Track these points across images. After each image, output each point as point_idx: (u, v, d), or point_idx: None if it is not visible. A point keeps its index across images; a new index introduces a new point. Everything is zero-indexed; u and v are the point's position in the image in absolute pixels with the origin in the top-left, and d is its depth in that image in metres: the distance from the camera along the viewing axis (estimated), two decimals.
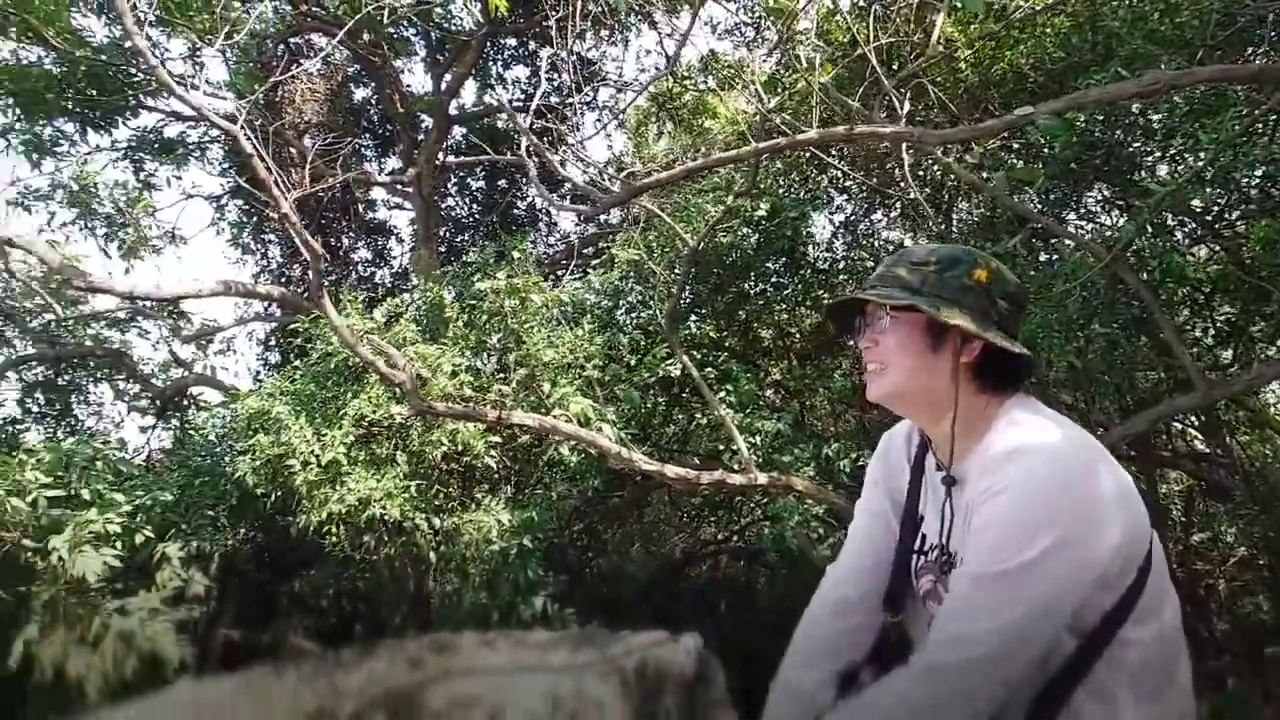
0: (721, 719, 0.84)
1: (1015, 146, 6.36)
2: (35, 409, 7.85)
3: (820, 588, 1.35)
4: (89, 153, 7.38)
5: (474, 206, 10.53)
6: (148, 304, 7.54)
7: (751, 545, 10.05)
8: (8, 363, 7.34)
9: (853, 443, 6.27)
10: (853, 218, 8.45)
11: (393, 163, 10.12)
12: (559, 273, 8.98)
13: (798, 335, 8.55)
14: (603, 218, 10.66)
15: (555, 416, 5.35)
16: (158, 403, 8.07)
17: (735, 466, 5.54)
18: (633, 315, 7.71)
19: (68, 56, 6.26)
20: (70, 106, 6.79)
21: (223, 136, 8.51)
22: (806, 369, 7.96)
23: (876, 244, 8.33)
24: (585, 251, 9.51)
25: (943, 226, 7.10)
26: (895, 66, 5.88)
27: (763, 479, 4.99)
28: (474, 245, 10.15)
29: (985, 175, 5.69)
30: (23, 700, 5.64)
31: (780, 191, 7.51)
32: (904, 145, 4.58)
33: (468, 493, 6.28)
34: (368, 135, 9.75)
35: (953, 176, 6.80)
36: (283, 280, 9.39)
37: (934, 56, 5.27)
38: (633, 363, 7.05)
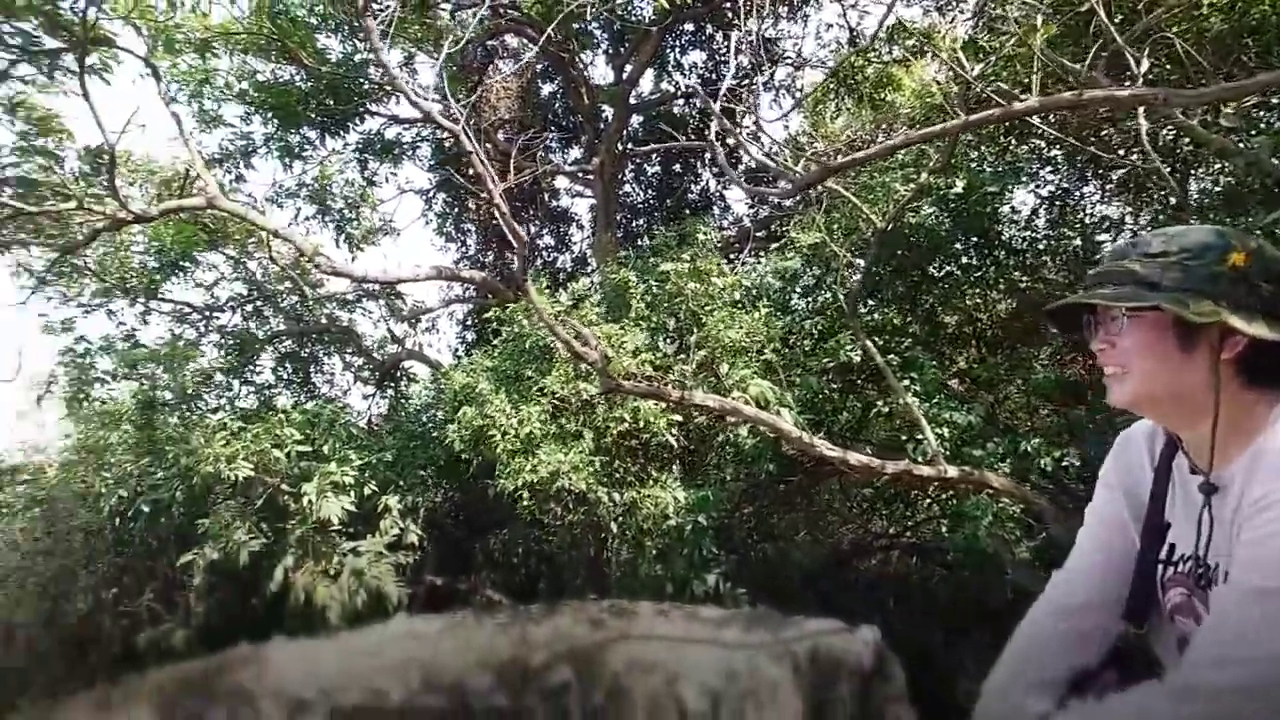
0: (900, 717, 0.82)
1: (1275, 103, 5.45)
2: (284, 376, 9.27)
3: (1046, 591, 1.31)
4: (326, 156, 8.54)
5: (649, 192, 10.85)
6: (373, 286, 8.62)
7: (926, 542, 9.57)
8: (266, 337, 8.75)
9: (1053, 440, 5.76)
10: (1059, 191, 7.66)
11: (575, 153, 10.68)
12: (731, 256, 9.01)
13: (988, 321, 7.94)
14: (775, 200, 10.53)
15: (734, 399, 5.42)
16: (377, 374, 9.22)
17: (919, 458, 5.31)
18: (808, 299, 7.57)
19: (314, 73, 7.25)
20: (313, 116, 7.86)
21: (431, 137, 9.45)
22: (997, 358, 7.40)
23: (1087, 220, 7.51)
24: (758, 235, 9.46)
25: (1175, 199, 6.25)
26: (1119, 19, 5.23)
27: (953, 472, 4.75)
28: (649, 230, 10.45)
29: (1237, 139, 4.93)
30: (279, 619, 6.72)
31: (974, 166, 7.00)
32: (1140, 109, 4.08)
33: (644, 469, 6.55)
34: (553, 127, 10.36)
35: (1188, 142, 5.95)
36: (479, 266, 10.28)
37: (1175, 6, 4.63)
38: (808, 347, 6.95)
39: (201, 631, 7.00)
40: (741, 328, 6.13)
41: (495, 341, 6.90)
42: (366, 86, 7.92)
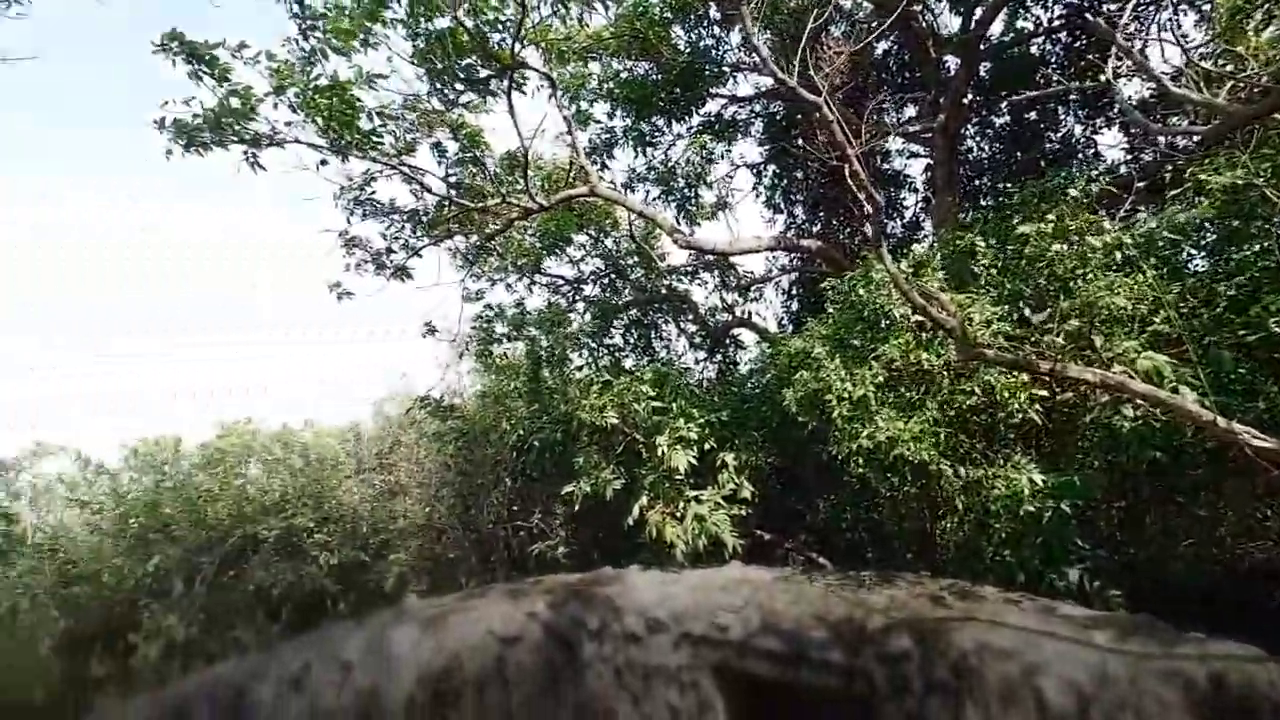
0: None
1: None
2: (630, 341, 10.52)
3: None
4: (672, 142, 9.37)
5: (995, 146, 9.80)
6: (709, 258, 9.30)
7: None
8: (618, 306, 10.02)
9: None
10: None
11: (909, 111, 10.11)
12: (1104, 211, 7.77)
13: None
14: (1163, 141, 8.79)
15: (1116, 373, 4.75)
16: (709, 340, 9.96)
17: None
18: (1217, 258, 6.23)
19: (666, 65, 7.98)
20: (662, 105, 8.66)
21: (764, 113, 9.76)
22: None
23: None
24: (1138, 185, 8.00)
25: None
26: None
27: None
28: (993, 188, 9.48)
29: None
30: (632, 550, 7.75)
31: None
32: None
33: (992, 446, 6.09)
34: (886, 87, 9.91)
35: None
36: (806, 235, 10.38)
37: None
38: (1211, 316, 5.74)
39: (572, 551, 8.41)
40: (1126, 292, 5.32)
41: (830, 309, 6.97)
42: (709, 72, 8.46)
